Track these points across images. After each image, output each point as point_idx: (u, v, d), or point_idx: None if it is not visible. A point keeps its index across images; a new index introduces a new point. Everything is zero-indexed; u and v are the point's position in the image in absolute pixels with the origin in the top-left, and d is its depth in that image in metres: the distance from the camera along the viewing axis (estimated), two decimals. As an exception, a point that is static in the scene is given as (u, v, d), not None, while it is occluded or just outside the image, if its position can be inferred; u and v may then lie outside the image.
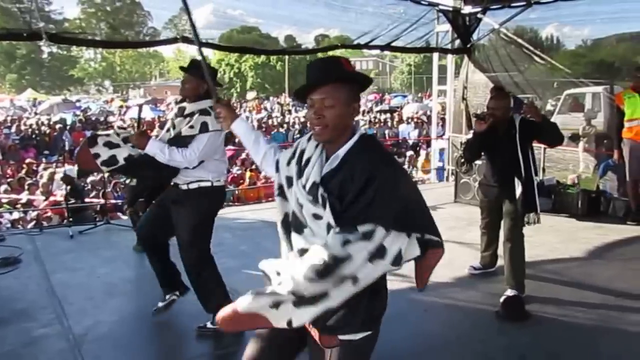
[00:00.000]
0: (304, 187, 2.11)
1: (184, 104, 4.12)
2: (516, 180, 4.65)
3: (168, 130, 4.14)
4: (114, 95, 57.48)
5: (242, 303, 2.02)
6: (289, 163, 2.23)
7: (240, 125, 2.60)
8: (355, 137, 2.12)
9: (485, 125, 4.58)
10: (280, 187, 2.25)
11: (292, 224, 2.18)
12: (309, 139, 2.20)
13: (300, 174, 2.16)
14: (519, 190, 4.63)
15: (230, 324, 2.07)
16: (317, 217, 2.07)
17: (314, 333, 2.12)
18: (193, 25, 3.00)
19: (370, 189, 1.98)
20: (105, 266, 5.88)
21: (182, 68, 4.23)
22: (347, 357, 2.14)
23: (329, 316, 2.02)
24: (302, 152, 2.19)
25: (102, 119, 26.91)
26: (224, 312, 2.07)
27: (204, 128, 3.96)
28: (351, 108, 2.10)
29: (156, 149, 3.93)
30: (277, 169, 2.29)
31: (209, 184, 4.08)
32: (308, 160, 2.15)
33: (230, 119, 2.61)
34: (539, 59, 8.72)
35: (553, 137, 4.69)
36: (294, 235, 2.18)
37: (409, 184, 2.17)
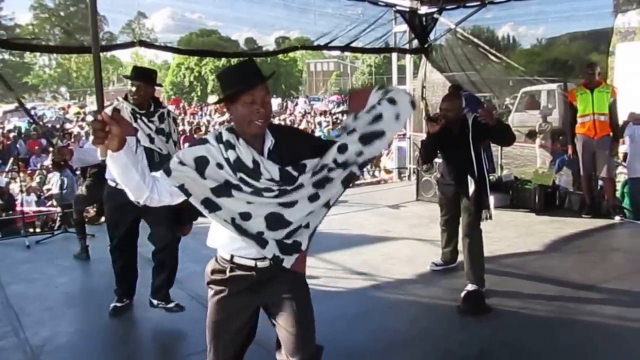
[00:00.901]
0: (272, 180, 2.24)
1: (161, 110, 4.37)
2: (469, 178, 4.72)
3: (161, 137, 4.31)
4: (71, 101, 56.32)
5: None
6: (202, 175, 2.22)
7: (128, 150, 2.11)
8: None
9: (437, 127, 4.65)
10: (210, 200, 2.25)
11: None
12: (229, 147, 2.23)
13: (257, 175, 2.24)
14: (472, 188, 4.71)
15: None
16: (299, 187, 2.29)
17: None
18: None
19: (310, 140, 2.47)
20: (63, 276, 5.77)
21: (128, 76, 4.36)
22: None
23: None
24: (237, 159, 2.23)
25: (57, 126, 26.37)
26: None
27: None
28: None
29: None
30: (188, 192, 2.22)
31: None
32: (255, 161, 2.24)
33: (120, 140, 2.05)
34: (495, 58, 8.88)
35: (505, 137, 4.77)
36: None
37: None
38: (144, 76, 4.29)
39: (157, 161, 4.14)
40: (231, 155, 2.22)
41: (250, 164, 2.23)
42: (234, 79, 2.24)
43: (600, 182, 7.51)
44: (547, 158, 11.40)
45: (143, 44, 7.37)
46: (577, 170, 7.75)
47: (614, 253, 6.03)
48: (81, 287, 5.54)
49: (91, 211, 7.08)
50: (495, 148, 8.34)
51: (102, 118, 2.00)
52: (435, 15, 9.13)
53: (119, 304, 4.70)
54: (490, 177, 7.92)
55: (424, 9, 9.19)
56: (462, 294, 4.59)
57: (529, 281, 5.08)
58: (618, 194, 7.83)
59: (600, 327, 4.20)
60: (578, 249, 6.13)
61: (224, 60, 49.39)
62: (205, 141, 2.28)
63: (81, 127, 24.51)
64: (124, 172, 2.12)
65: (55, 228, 8.46)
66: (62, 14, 55.03)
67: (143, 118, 4.24)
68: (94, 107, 40.72)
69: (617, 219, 7.13)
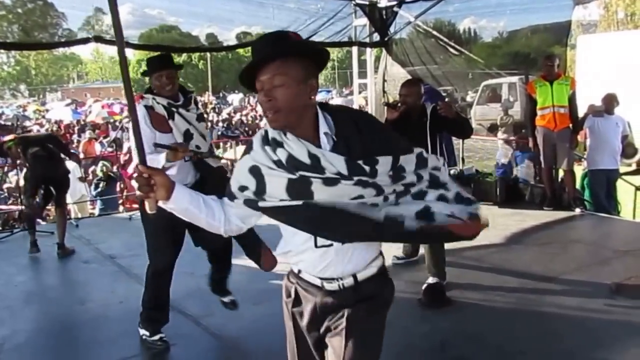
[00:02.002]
0: (339, 174, 1.79)
1: (192, 94, 4.01)
2: None
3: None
4: (30, 99, 55.42)
5: None
6: (259, 182, 1.86)
7: (182, 192, 1.92)
8: (320, 111, 1.89)
9: (397, 113, 4.62)
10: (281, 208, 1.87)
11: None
12: (276, 146, 1.84)
13: (318, 171, 1.81)
14: None
15: None
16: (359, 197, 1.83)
17: None
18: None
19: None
20: (22, 274, 5.73)
21: (165, 65, 3.84)
22: None
23: None
24: (290, 157, 1.82)
25: (15, 124, 25.88)
26: None
27: None
28: (307, 86, 1.83)
29: None
30: (257, 206, 1.89)
31: None
32: (313, 155, 1.80)
33: (167, 187, 1.87)
34: (455, 51, 8.89)
35: (463, 130, 4.81)
36: None
37: None
38: (171, 61, 3.90)
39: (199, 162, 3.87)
40: (281, 155, 1.82)
41: (307, 160, 1.80)
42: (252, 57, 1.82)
43: (560, 175, 7.57)
44: (509, 151, 11.50)
45: (99, 39, 7.21)
46: (538, 163, 7.81)
47: (574, 245, 6.08)
48: (40, 286, 5.52)
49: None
50: (457, 141, 8.38)
51: (144, 172, 1.84)
52: (395, 9, 9.08)
53: (162, 336, 4.00)
54: (452, 171, 7.99)
55: (383, 2, 9.11)
56: (423, 287, 4.57)
57: (490, 273, 5.10)
58: (578, 186, 7.90)
59: (561, 317, 4.22)
60: (539, 241, 6.17)
61: (184, 56, 49.30)
62: (249, 149, 1.92)
63: (41, 125, 24.13)
64: (189, 217, 1.95)
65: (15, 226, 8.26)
66: (19, 10, 53.93)
67: (181, 110, 3.81)
68: (54, 105, 39.96)
69: (578, 211, 7.19)
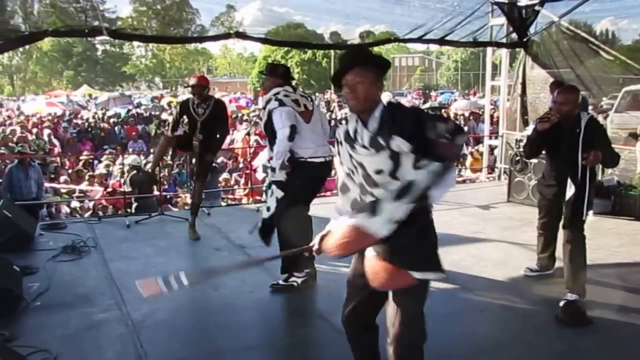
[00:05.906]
0: (363, 146, 2.50)
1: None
2: (569, 181, 4.44)
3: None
4: (164, 91, 58.52)
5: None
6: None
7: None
8: (383, 105, 2.55)
9: (548, 125, 4.40)
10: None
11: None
12: (346, 122, 2.66)
13: (353, 142, 2.55)
14: (570, 192, 4.42)
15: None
16: (379, 172, 2.48)
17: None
18: None
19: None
20: (160, 256, 6.03)
21: (261, 72, 5.26)
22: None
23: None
24: (347, 132, 2.60)
25: (153, 113, 27.46)
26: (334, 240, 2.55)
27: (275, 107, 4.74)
28: (376, 86, 2.56)
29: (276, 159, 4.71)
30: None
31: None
32: (355, 131, 2.55)
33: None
34: (605, 53, 8.31)
35: (612, 161, 4.62)
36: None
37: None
38: (266, 69, 5.46)
39: None
40: (343, 129, 2.66)
41: (352, 133, 2.57)
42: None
43: None
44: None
45: (239, 35, 7.48)
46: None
47: None
48: (176, 268, 5.65)
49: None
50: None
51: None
52: (537, 8, 8.68)
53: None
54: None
55: (523, 1, 8.75)
56: (561, 304, 4.31)
57: (634, 294, 4.73)
58: None
59: None
60: (689, 261, 5.65)
61: (309, 53, 50.14)
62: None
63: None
64: None
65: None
66: (158, 6, 57.16)
67: None
68: (185, 97, 41.94)
69: None
